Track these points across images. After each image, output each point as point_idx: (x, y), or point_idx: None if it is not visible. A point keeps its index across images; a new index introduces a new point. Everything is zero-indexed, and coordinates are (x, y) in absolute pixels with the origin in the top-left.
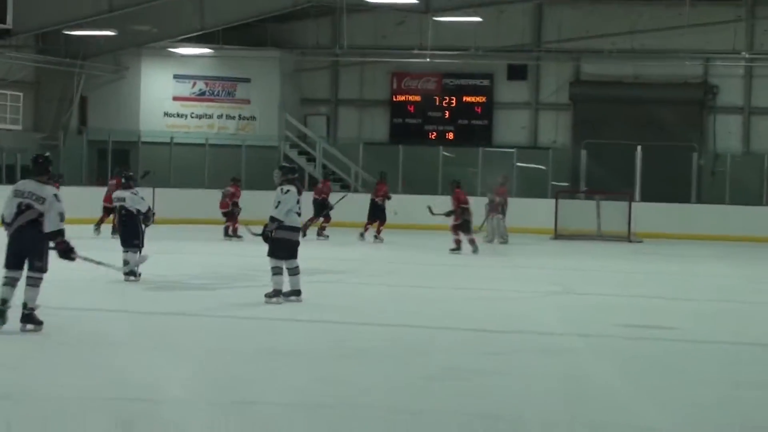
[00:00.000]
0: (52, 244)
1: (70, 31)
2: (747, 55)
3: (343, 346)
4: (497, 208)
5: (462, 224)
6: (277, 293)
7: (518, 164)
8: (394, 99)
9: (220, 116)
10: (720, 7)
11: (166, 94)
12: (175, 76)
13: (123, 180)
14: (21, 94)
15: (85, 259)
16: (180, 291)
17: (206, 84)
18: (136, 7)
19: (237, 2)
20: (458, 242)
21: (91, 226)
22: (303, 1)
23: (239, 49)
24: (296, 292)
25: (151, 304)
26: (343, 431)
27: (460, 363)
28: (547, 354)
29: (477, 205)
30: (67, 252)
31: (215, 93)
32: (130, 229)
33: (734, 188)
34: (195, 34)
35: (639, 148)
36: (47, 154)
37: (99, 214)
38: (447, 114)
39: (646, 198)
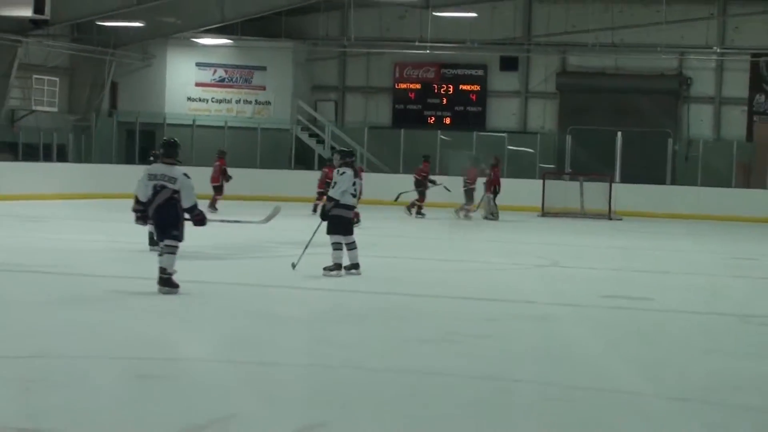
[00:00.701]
0: (186, 216)
1: (102, 22)
2: (718, 50)
3: (345, 311)
4: (489, 187)
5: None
6: (337, 267)
7: (509, 147)
8: (397, 87)
9: (238, 101)
10: (694, 5)
11: (189, 80)
12: (198, 64)
13: (150, 159)
14: (57, 79)
15: (222, 221)
16: (204, 260)
17: (226, 71)
18: (162, 0)
19: None
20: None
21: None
22: None
23: (256, 40)
24: (355, 266)
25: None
26: (350, 391)
27: (454, 328)
28: (533, 320)
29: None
30: (202, 221)
31: (234, 80)
32: None
33: (705, 171)
34: (216, 25)
35: (619, 134)
36: (174, 139)
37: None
38: (444, 101)
39: (625, 179)
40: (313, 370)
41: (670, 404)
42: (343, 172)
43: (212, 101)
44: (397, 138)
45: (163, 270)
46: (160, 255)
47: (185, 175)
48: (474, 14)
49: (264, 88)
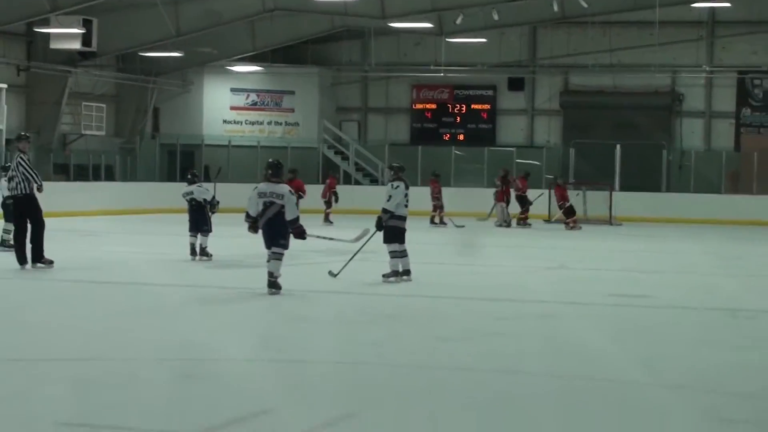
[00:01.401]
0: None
1: (145, 52)
2: (707, 68)
3: (373, 312)
4: (501, 196)
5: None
6: (395, 273)
7: (518, 161)
8: (414, 107)
9: (269, 123)
10: (684, 28)
11: (224, 104)
12: (232, 90)
13: (189, 177)
14: (104, 105)
15: (318, 236)
16: (242, 269)
17: (258, 96)
18: (199, 32)
19: (283, 27)
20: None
21: (164, 215)
22: (338, 25)
23: (285, 67)
24: (407, 272)
25: (215, 279)
26: (377, 385)
27: (471, 326)
28: (542, 318)
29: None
30: (302, 234)
31: (265, 103)
32: (200, 217)
33: (697, 179)
34: (248, 54)
35: (618, 146)
36: (279, 160)
37: (170, 205)
38: (458, 119)
39: (624, 188)
40: (343, 366)
41: (668, 392)
42: (397, 186)
43: (246, 123)
44: (415, 154)
45: (270, 274)
46: (268, 261)
47: (290, 192)
48: (483, 40)
49: (293, 111)
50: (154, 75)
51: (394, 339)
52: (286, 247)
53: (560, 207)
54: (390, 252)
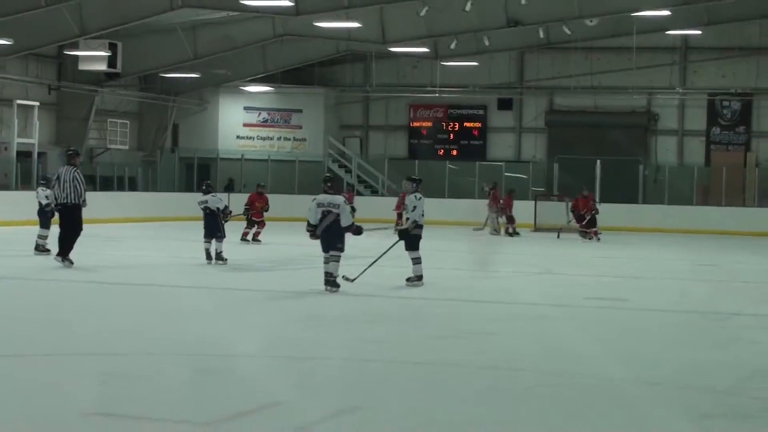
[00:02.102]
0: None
1: (165, 73)
2: (681, 90)
3: (376, 313)
4: (493, 207)
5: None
6: (419, 278)
7: (506, 174)
8: (411, 125)
9: (279, 138)
10: (659, 53)
11: (238, 121)
12: (245, 108)
13: (203, 187)
14: (128, 122)
15: (373, 229)
16: (255, 272)
17: (268, 114)
18: (214, 55)
19: (292, 51)
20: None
21: (182, 223)
22: (342, 50)
23: (293, 87)
24: (419, 277)
25: (229, 282)
26: (380, 379)
27: (465, 326)
28: (530, 319)
29: (478, 205)
30: (359, 232)
31: (275, 121)
32: (214, 224)
33: (671, 192)
34: (260, 75)
35: (598, 161)
36: (333, 174)
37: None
38: (452, 136)
39: (603, 200)
40: (349, 362)
41: (644, 387)
42: (420, 197)
43: (257, 139)
44: (413, 168)
45: (329, 274)
46: (326, 263)
47: (345, 201)
48: (475, 63)
49: (300, 128)
50: (174, 94)
51: (394, 338)
52: (342, 249)
53: (579, 218)
54: (413, 258)
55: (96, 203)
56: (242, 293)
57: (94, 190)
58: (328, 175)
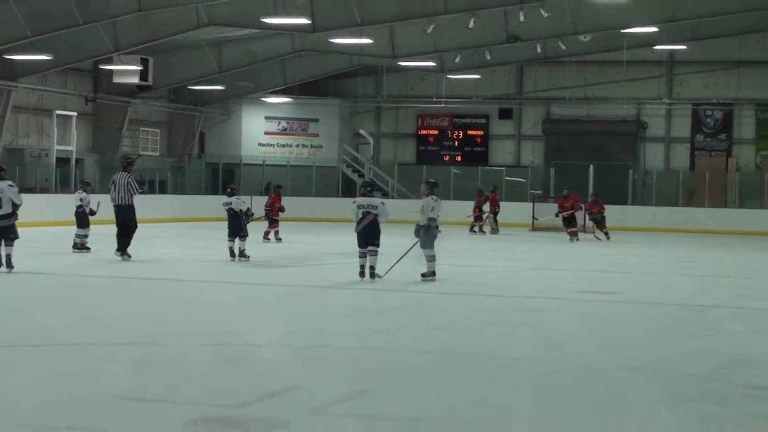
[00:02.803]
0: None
1: (192, 86)
2: (667, 101)
3: (383, 306)
4: (491, 208)
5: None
6: (432, 273)
7: (506, 178)
8: (419, 133)
9: (297, 145)
10: (648, 66)
11: (259, 130)
12: (266, 117)
13: (228, 190)
14: (158, 130)
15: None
16: (274, 268)
17: (287, 123)
18: (238, 69)
19: (309, 65)
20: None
21: (209, 223)
22: (355, 64)
23: (310, 98)
24: (433, 273)
25: (251, 277)
26: (387, 366)
27: (465, 318)
28: (526, 311)
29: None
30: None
31: (294, 129)
32: (237, 224)
33: (658, 195)
34: (280, 88)
35: (591, 166)
36: (372, 179)
37: (214, 215)
38: (456, 143)
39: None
40: (358, 351)
41: (630, 374)
42: (436, 199)
43: (277, 146)
44: (420, 172)
45: (370, 267)
46: (362, 257)
47: (382, 202)
48: (478, 76)
49: (317, 135)
50: (201, 105)
51: (400, 328)
52: (378, 245)
53: (594, 219)
54: (429, 256)
55: None
56: (262, 288)
57: None
58: (367, 180)
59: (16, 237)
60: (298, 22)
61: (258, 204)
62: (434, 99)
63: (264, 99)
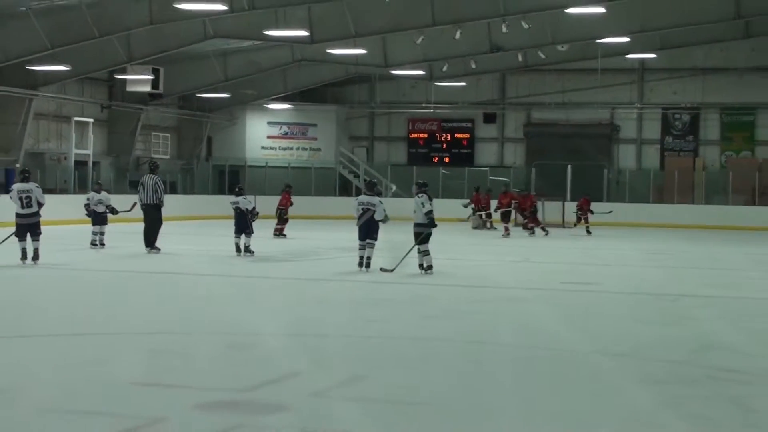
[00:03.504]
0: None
1: (200, 94)
2: (638, 105)
3: (377, 297)
4: (477, 206)
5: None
6: (430, 267)
7: (491, 178)
8: (410, 136)
9: (297, 148)
10: (620, 74)
11: (262, 134)
12: (268, 123)
13: (236, 190)
14: (169, 135)
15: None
16: (275, 262)
17: (288, 127)
18: (242, 78)
19: (308, 74)
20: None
21: (215, 221)
22: (350, 72)
23: (309, 105)
24: (431, 266)
25: (256, 271)
26: (381, 353)
27: (453, 307)
28: (510, 301)
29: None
30: (384, 222)
31: (294, 133)
32: (243, 221)
33: (631, 192)
34: (281, 95)
35: (569, 166)
36: (374, 179)
37: (220, 213)
38: (444, 145)
39: (574, 199)
40: (354, 339)
41: (608, 359)
42: (422, 195)
43: (279, 149)
44: (411, 172)
45: (368, 258)
46: (362, 249)
47: (380, 201)
48: (464, 83)
49: (316, 139)
50: (208, 111)
51: (392, 317)
52: (376, 239)
53: (523, 215)
54: (425, 250)
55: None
56: (265, 281)
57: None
58: (370, 180)
59: (41, 233)
60: (298, 34)
61: (262, 203)
62: (424, 105)
63: (266, 105)
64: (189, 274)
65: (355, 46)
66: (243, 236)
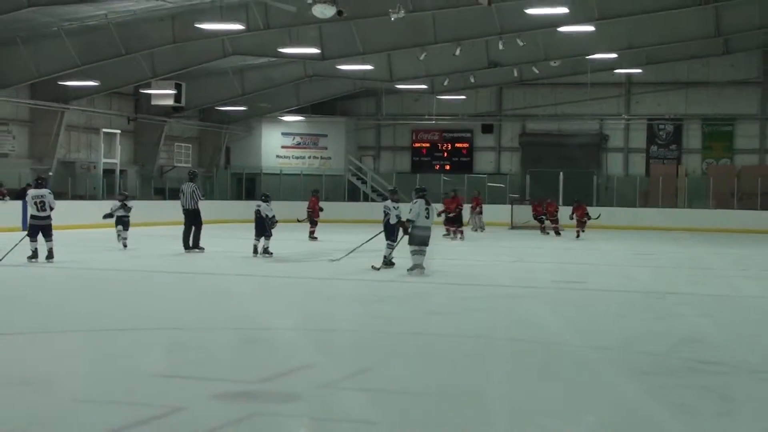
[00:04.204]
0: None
1: (219, 107)
2: (626, 116)
3: (382, 294)
4: (475, 209)
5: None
6: (416, 266)
7: (488, 184)
8: (414, 146)
9: (309, 157)
10: (609, 87)
11: (277, 144)
12: (282, 133)
13: (263, 197)
14: (190, 145)
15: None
16: (290, 262)
17: (301, 138)
18: (258, 92)
19: (318, 88)
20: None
21: (234, 224)
22: (358, 87)
23: (320, 117)
24: (420, 267)
25: (270, 270)
26: (386, 347)
27: (453, 304)
28: (505, 298)
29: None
30: (405, 228)
31: (306, 143)
32: (263, 226)
33: (618, 197)
34: (294, 108)
35: (561, 173)
36: (396, 188)
37: (238, 217)
38: (445, 154)
39: (565, 204)
40: (361, 334)
41: (596, 352)
42: (415, 202)
43: (293, 158)
44: (414, 180)
45: (385, 257)
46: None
47: (395, 206)
48: (464, 96)
49: (326, 149)
50: (226, 123)
51: (396, 314)
52: (394, 240)
53: (579, 222)
54: (412, 251)
55: (165, 210)
56: (280, 279)
57: (164, 199)
58: (391, 188)
59: (53, 234)
60: (309, 51)
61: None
62: (426, 116)
63: (280, 117)
64: (206, 273)
65: (362, 63)
66: (262, 239)
